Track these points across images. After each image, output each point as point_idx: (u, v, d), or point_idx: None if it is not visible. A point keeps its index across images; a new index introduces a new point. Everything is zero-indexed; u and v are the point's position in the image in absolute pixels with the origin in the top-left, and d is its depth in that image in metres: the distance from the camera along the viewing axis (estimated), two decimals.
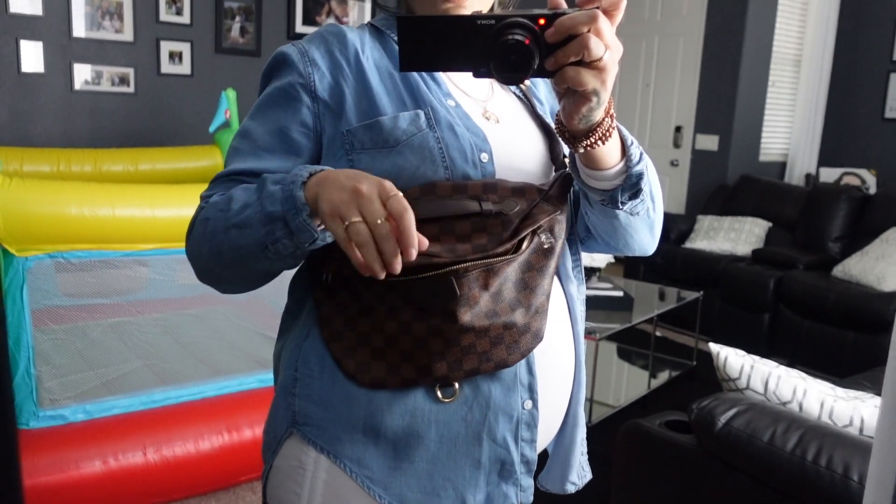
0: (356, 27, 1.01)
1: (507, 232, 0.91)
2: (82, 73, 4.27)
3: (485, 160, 0.93)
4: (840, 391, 1.69)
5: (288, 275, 1.03)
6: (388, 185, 0.76)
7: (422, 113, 0.93)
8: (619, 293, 3.67)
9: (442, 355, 0.88)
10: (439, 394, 0.90)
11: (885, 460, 0.51)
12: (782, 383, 1.68)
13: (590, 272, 3.84)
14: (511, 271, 0.91)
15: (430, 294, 0.87)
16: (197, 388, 2.59)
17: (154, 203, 2.33)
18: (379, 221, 0.73)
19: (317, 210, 0.79)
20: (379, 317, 0.90)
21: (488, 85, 1.05)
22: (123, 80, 4.41)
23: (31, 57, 4.10)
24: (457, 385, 0.90)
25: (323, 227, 0.82)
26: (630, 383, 3.85)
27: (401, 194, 0.75)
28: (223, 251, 0.87)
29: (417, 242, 0.74)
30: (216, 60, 4.74)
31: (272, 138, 0.94)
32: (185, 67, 4.62)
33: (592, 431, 3.15)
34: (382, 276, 0.75)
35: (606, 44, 0.75)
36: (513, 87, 1.09)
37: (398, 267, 0.74)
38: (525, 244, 0.92)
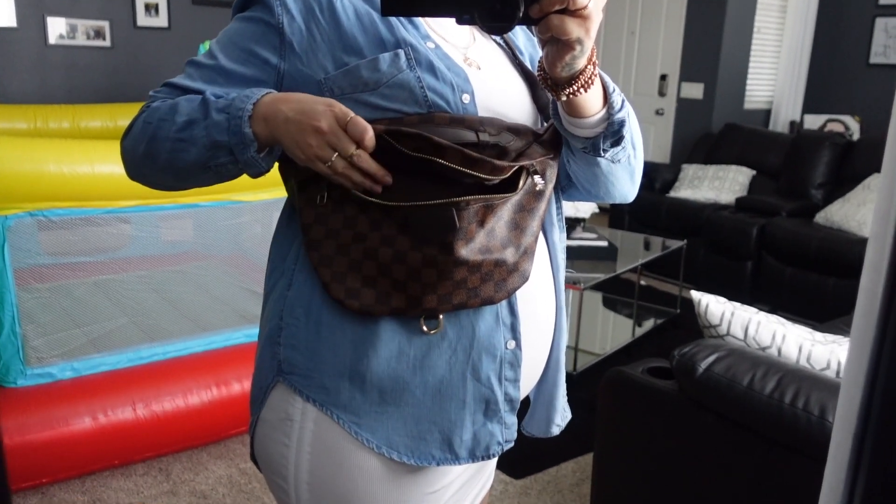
0: None
1: (504, 163, 0.91)
2: (56, 27, 4.18)
3: (466, 101, 0.93)
4: (818, 335, 1.72)
5: (271, 230, 1.03)
6: (339, 109, 0.83)
7: (402, 52, 0.91)
8: (604, 243, 3.69)
9: (434, 287, 0.88)
10: (424, 326, 0.91)
11: (850, 397, 0.53)
12: (762, 329, 1.71)
13: (574, 222, 3.86)
14: (505, 210, 0.92)
15: (429, 223, 0.87)
16: (184, 344, 2.60)
17: None
18: (352, 152, 0.83)
19: (268, 144, 0.88)
20: (373, 244, 0.89)
21: (469, 32, 1.04)
22: (99, 34, 4.32)
23: (3, 11, 4.00)
24: (441, 317, 0.91)
25: (266, 154, 0.90)
26: (615, 332, 3.90)
27: (352, 114, 0.83)
28: (161, 157, 0.92)
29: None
30: (194, 12, 4.64)
31: (233, 69, 0.94)
32: (161, 20, 4.53)
33: (578, 379, 3.20)
34: (379, 189, 0.86)
35: None
36: (494, 35, 1.08)
37: (388, 179, 0.86)
38: (521, 182, 0.92)
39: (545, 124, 1.01)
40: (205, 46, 3.73)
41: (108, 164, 2.27)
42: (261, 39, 0.94)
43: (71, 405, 2.28)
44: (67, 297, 2.58)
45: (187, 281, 3.02)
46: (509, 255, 0.91)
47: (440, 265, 0.88)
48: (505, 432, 0.98)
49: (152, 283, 2.86)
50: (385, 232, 0.89)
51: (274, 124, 0.85)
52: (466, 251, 0.88)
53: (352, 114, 0.83)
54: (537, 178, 0.95)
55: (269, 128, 0.85)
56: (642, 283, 4.55)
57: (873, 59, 5.61)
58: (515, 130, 0.94)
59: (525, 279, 0.93)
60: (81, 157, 2.24)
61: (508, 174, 0.91)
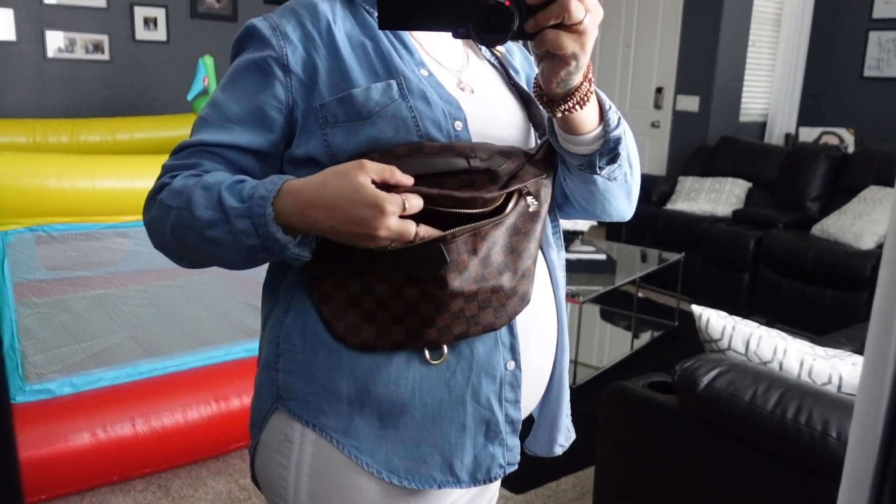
0: None
1: (496, 187, 0.91)
2: (55, 41, 4.19)
3: (459, 128, 0.93)
4: (819, 350, 1.73)
5: None
6: (380, 203, 0.81)
7: (394, 83, 0.92)
8: (602, 256, 3.69)
9: (432, 320, 0.89)
10: (428, 356, 0.91)
11: (867, 419, 0.52)
12: (763, 343, 1.71)
13: (572, 235, 3.86)
14: (499, 235, 0.92)
15: (419, 260, 0.88)
16: (183, 359, 2.59)
17: (134, 174, 2.31)
18: (412, 234, 0.84)
19: (306, 231, 0.86)
20: (370, 279, 0.90)
21: (463, 54, 1.04)
22: (98, 48, 4.33)
23: (2, 24, 4.01)
24: (445, 348, 0.91)
25: (302, 242, 0.88)
26: (613, 344, 3.90)
27: (384, 197, 0.81)
28: (192, 247, 0.90)
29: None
30: (192, 26, 4.66)
31: (243, 111, 0.93)
32: (160, 34, 4.54)
33: (577, 393, 3.20)
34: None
35: (587, 7, 0.75)
36: (488, 56, 1.08)
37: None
38: (511, 205, 0.92)
39: (539, 141, 1.01)
40: (204, 61, 3.74)
41: (108, 179, 2.27)
42: (267, 79, 0.93)
43: (70, 421, 2.27)
44: (66, 312, 2.57)
45: (186, 295, 3.01)
46: (506, 280, 0.91)
47: (436, 299, 0.88)
48: (507, 454, 0.97)
49: (151, 298, 2.85)
50: (381, 268, 0.90)
51: (317, 229, 0.85)
52: (460, 282, 0.88)
53: (382, 198, 0.81)
54: (530, 200, 0.95)
55: (308, 227, 0.85)
56: (640, 295, 4.55)
57: (867, 73, 5.65)
58: (506, 153, 0.94)
59: (526, 302, 0.93)
60: (81, 171, 2.24)
61: (500, 201, 0.91)
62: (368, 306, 0.90)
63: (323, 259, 0.92)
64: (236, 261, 0.90)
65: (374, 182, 0.82)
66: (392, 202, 0.80)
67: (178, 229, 0.89)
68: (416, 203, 0.83)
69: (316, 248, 0.91)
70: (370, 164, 0.82)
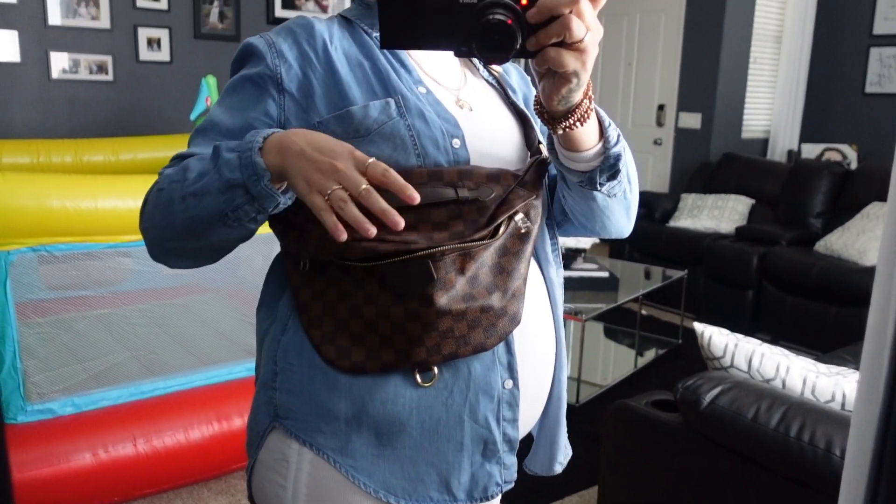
0: (325, 19, 1.01)
1: (484, 218, 0.91)
2: (59, 62, 4.22)
3: (457, 146, 0.94)
4: (822, 367, 1.72)
5: (269, 262, 1.04)
6: (360, 154, 0.79)
7: (392, 101, 0.93)
8: (605, 273, 3.69)
9: (421, 340, 0.89)
10: (419, 378, 0.91)
11: (862, 434, 0.52)
12: (766, 361, 1.71)
13: (575, 253, 3.86)
14: (487, 256, 0.92)
15: (406, 278, 0.88)
16: (185, 378, 2.59)
17: (136, 194, 2.32)
18: (363, 187, 0.77)
19: (281, 177, 0.82)
20: (357, 301, 0.90)
21: (461, 73, 1.05)
22: (101, 68, 4.36)
23: (7, 46, 4.04)
24: (436, 369, 0.91)
25: (283, 189, 0.85)
26: (617, 362, 3.88)
27: (373, 158, 0.79)
28: (177, 221, 0.88)
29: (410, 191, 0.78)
30: (195, 46, 4.69)
31: (234, 126, 0.94)
32: (163, 54, 4.58)
33: (580, 411, 3.18)
34: (374, 231, 0.76)
35: (588, 25, 0.76)
36: (485, 75, 1.09)
37: (401, 223, 0.76)
38: (501, 229, 0.93)
39: (529, 160, 1.01)
40: (207, 81, 3.77)
41: (111, 199, 2.28)
42: (260, 95, 0.95)
43: (71, 441, 2.26)
44: (68, 332, 2.58)
45: (188, 314, 3.01)
46: (496, 300, 0.91)
47: (423, 317, 0.88)
48: (504, 473, 0.97)
49: (153, 317, 2.85)
50: (368, 289, 0.90)
51: (287, 154, 0.81)
52: (447, 300, 0.88)
53: (372, 159, 0.79)
54: (520, 221, 0.95)
55: (282, 157, 0.81)
56: (643, 312, 4.54)
57: (869, 89, 5.66)
58: (496, 177, 0.94)
59: (516, 322, 0.93)
60: (84, 191, 2.25)
61: (491, 228, 0.91)
62: (357, 329, 0.91)
63: (311, 283, 0.93)
64: (212, 218, 0.85)
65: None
66: (361, 154, 0.80)
67: (169, 204, 0.88)
68: (385, 169, 0.78)
69: (304, 274, 0.92)
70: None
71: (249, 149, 0.83)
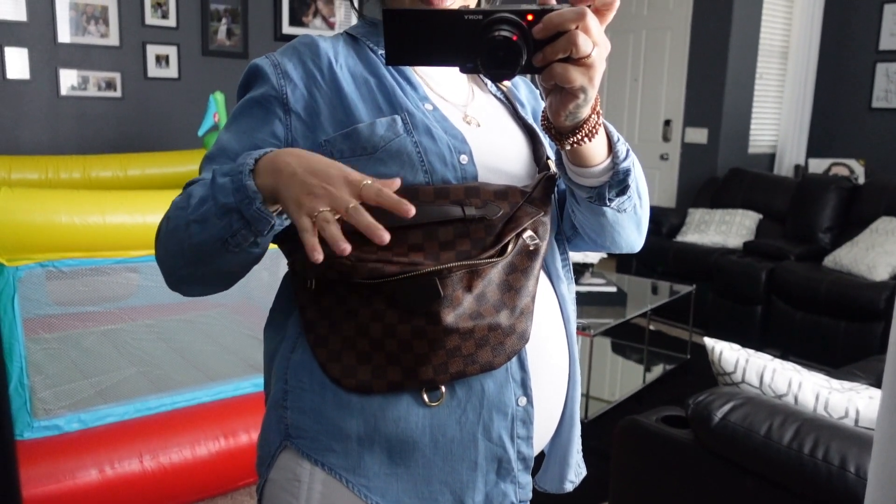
0: (330, 37, 1.01)
1: (491, 237, 0.90)
2: (68, 79, 4.25)
3: (464, 162, 0.93)
4: (835, 383, 1.70)
5: (279, 277, 1.03)
6: (355, 176, 0.76)
7: (398, 118, 0.92)
8: (613, 288, 3.67)
9: (427, 358, 0.87)
10: (426, 398, 0.90)
11: (887, 457, 0.51)
12: (777, 376, 1.69)
13: (583, 268, 3.85)
14: (495, 273, 0.91)
15: (413, 294, 0.87)
16: (192, 394, 2.58)
17: (144, 209, 2.32)
18: (350, 205, 0.74)
19: (275, 199, 0.80)
20: (364, 320, 0.90)
21: (468, 89, 1.05)
22: (110, 85, 4.38)
23: (17, 63, 4.07)
24: (443, 388, 0.90)
25: (278, 211, 0.83)
26: (625, 378, 3.86)
27: (369, 179, 0.76)
28: (185, 248, 0.87)
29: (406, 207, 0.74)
30: (203, 63, 4.72)
31: (242, 149, 0.94)
32: (172, 71, 4.60)
33: (589, 427, 3.16)
34: (348, 250, 0.73)
35: (594, 41, 0.75)
36: (493, 90, 1.09)
37: (385, 238, 0.72)
38: (510, 247, 0.92)
39: (537, 176, 1.00)
40: (214, 97, 3.79)
41: (119, 215, 2.28)
42: (267, 116, 0.94)
43: (77, 457, 2.25)
44: (75, 348, 2.57)
45: (195, 329, 3.01)
46: (504, 318, 0.90)
47: (429, 335, 0.87)
48: (519, 492, 0.96)
49: (160, 332, 2.85)
50: (375, 307, 0.89)
51: (279, 176, 0.79)
52: (454, 318, 0.87)
53: (368, 179, 0.76)
54: (529, 239, 0.94)
55: (274, 179, 0.79)
56: (652, 328, 4.52)
57: (875, 104, 5.66)
58: (503, 195, 0.93)
59: (525, 340, 0.92)
60: (92, 207, 2.25)
61: (498, 248, 0.91)
62: (363, 347, 0.90)
63: (317, 301, 0.92)
64: (213, 244, 0.84)
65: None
66: (356, 175, 0.77)
67: (176, 231, 0.88)
68: (379, 188, 0.75)
69: (310, 293, 0.91)
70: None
71: (240, 172, 0.82)
